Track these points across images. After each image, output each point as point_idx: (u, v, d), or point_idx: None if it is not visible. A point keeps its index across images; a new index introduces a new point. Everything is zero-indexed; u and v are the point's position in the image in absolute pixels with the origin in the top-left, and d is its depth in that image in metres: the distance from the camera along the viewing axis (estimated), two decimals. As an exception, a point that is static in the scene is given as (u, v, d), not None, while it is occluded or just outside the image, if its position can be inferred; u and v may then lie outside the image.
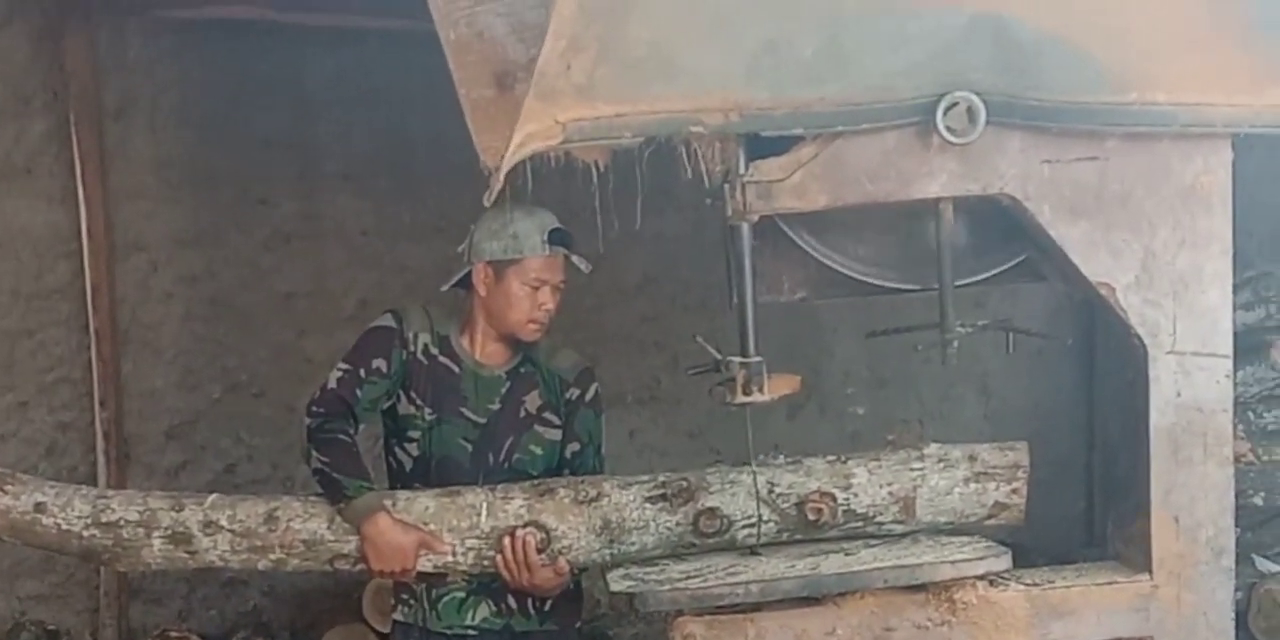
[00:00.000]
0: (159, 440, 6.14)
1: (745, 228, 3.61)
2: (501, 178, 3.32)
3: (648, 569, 3.95)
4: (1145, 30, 3.57)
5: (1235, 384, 3.95)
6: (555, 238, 4.06)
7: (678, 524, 3.91)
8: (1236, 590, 4.03)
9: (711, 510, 3.90)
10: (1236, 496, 3.97)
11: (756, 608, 3.76)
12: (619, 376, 6.38)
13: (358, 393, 4.09)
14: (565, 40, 3.34)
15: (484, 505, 3.97)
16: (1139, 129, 3.61)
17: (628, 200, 3.54)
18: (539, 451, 4.24)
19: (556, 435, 4.25)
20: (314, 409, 4.08)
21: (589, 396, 4.30)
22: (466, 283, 4.19)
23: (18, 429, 6.05)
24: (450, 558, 3.97)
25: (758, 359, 3.69)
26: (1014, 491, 3.97)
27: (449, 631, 4.23)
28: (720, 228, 3.72)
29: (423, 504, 3.98)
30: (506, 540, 3.93)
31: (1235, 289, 3.91)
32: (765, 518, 3.94)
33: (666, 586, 3.77)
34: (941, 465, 3.96)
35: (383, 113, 6.03)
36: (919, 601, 3.79)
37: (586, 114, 3.38)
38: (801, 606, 3.78)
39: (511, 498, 3.97)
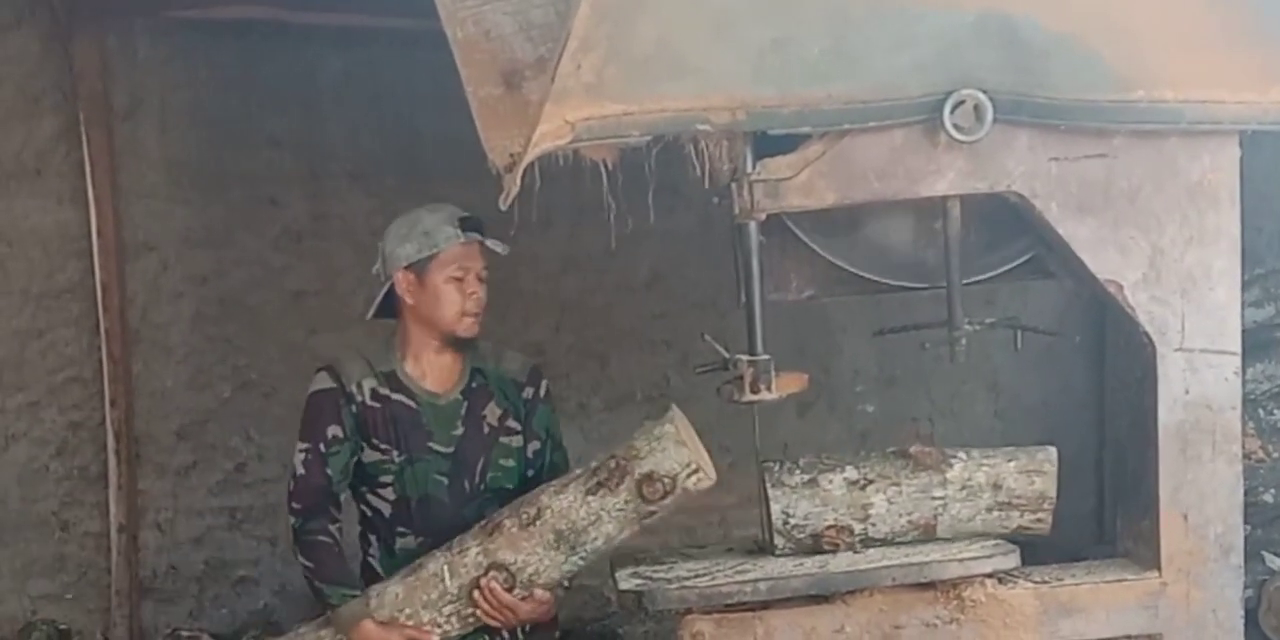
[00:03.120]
0: (169, 439, 6.15)
1: (752, 226, 3.62)
2: (517, 180, 3.32)
3: (656, 567, 3.96)
4: (1151, 28, 3.57)
5: (1245, 381, 3.95)
6: (468, 225, 4.04)
7: (626, 502, 3.85)
8: (1246, 587, 4.02)
9: (648, 475, 3.82)
10: (1246, 494, 3.97)
11: (765, 606, 3.76)
12: (628, 374, 6.39)
13: (327, 471, 4.09)
14: (577, 40, 3.34)
15: (444, 569, 3.96)
16: (1146, 126, 3.62)
17: (637, 198, 3.54)
18: (510, 463, 4.25)
19: (520, 441, 4.24)
20: (293, 505, 4.12)
21: (542, 393, 4.29)
22: (390, 309, 4.17)
23: (29, 429, 6.06)
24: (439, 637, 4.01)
25: (765, 357, 3.69)
26: (1039, 520, 3.94)
27: None
28: (728, 226, 3.73)
29: (393, 592, 4.00)
30: (476, 594, 3.93)
31: (1244, 286, 3.91)
32: (781, 547, 3.90)
33: (675, 585, 3.77)
34: (965, 493, 3.90)
35: (392, 112, 6.03)
36: (927, 599, 3.79)
37: (595, 113, 3.39)
38: (810, 604, 3.78)
39: (466, 549, 3.96)
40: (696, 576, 3.82)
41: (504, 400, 4.19)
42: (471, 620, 3.99)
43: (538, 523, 3.89)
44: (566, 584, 4.08)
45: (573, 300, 6.27)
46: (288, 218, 6.12)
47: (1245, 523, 3.95)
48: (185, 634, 5.98)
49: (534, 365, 4.30)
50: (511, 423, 4.19)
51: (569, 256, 6.21)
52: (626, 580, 3.86)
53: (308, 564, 4.07)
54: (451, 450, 4.14)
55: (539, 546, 3.90)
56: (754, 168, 3.54)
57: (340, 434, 4.10)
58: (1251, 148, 3.74)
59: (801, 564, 3.83)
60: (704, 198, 3.74)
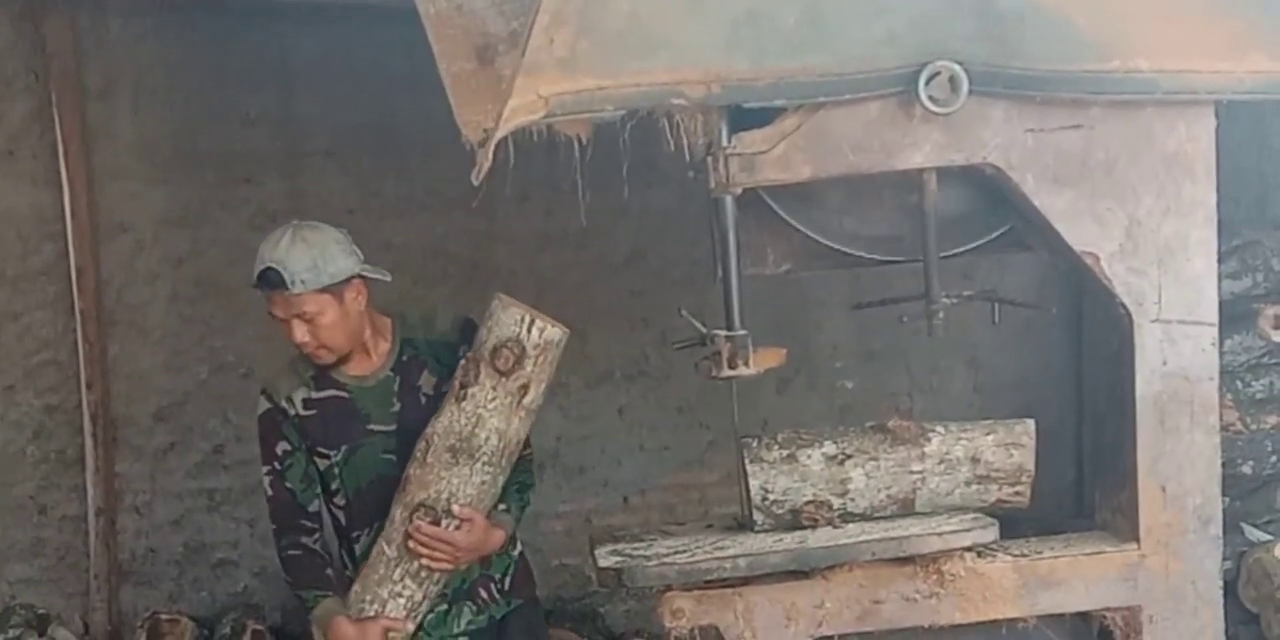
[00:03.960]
0: (147, 422, 6.13)
1: (729, 200, 3.61)
2: (489, 155, 3.31)
3: (635, 545, 3.96)
4: (1127, -2, 3.56)
5: (1223, 353, 3.96)
6: (261, 278, 3.96)
7: (493, 389, 3.88)
8: (1226, 560, 4.04)
9: (494, 350, 3.85)
10: (1225, 465, 3.98)
11: (745, 582, 3.76)
12: (607, 352, 6.37)
13: (288, 485, 4.15)
14: (549, 14, 3.32)
15: (381, 543, 4.02)
16: (1122, 97, 3.61)
17: (613, 175, 3.53)
18: None
19: None
20: (272, 525, 4.23)
21: None
22: None
23: (4, 412, 6.04)
24: (415, 617, 4.06)
25: (743, 332, 3.69)
26: (1017, 493, 3.95)
27: None
28: (706, 202, 3.71)
29: (353, 591, 4.07)
30: (410, 542, 3.96)
31: (1222, 257, 3.91)
32: (760, 523, 3.91)
33: (654, 562, 3.76)
34: (943, 466, 3.91)
35: (366, 89, 6.00)
36: (907, 574, 3.80)
37: (568, 88, 3.37)
38: (789, 580, 3.78)
39: (392, 517, 4.00)
40: (676, 553, 3.82)
41: (438, 366, 4.15)
42: (423, 574, 4.01)
43: (430, 452, 3.93)
44: (504, 506, 4.10)
45: (550, 277, 6.25)
46: (263, 197, 6.09)
47: (1224, 494, 3.96)
48: (165, 617, 5.95)
49: (465, 319, 4.21)
50: (448, 387, 4.12)
51: (546, 233, 6.19)
52: (606, 557, 3.86)
53: (287, 578, 4.17)
54: (394, 427, 4.13)
55: (441, 471, 3.93)
56: (729, 141, 3.53)
57: (289, 446, 4.15)
58: (1228, 119, 3.74)
59: (781, 540, 3.83)
60: (682, 174, 3.73)
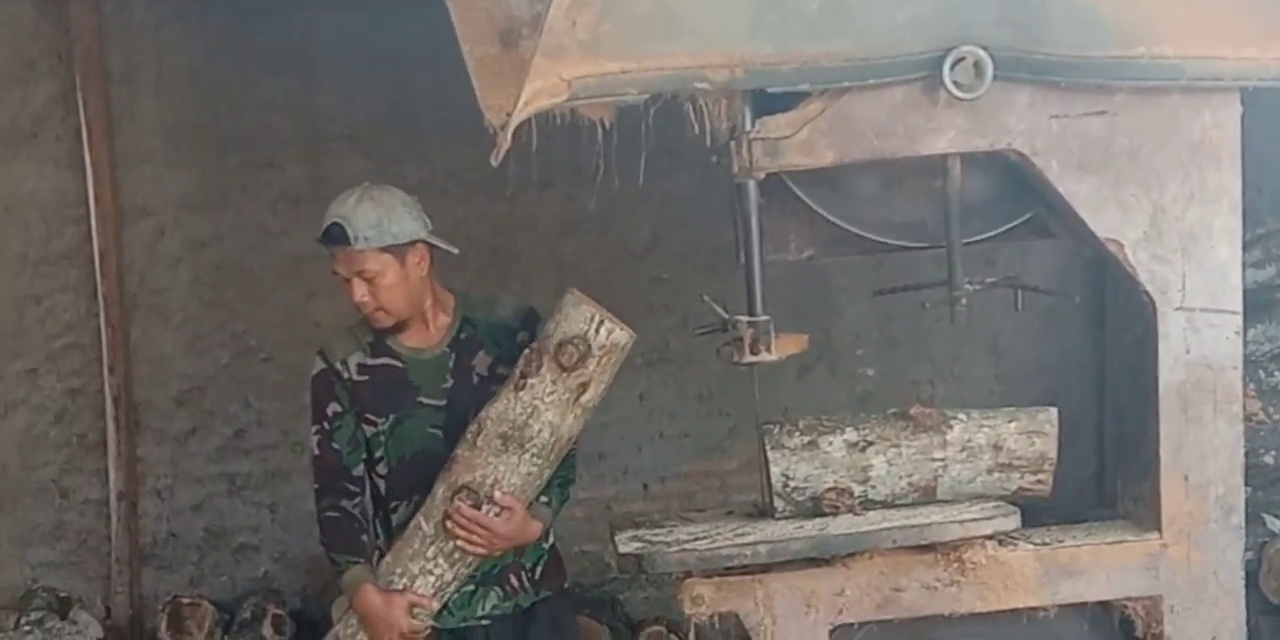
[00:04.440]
0: (168, 406, 6.14)
1: (751, 185, 3.60)
2: (508, 137, 3.30)
3: (656, 531, 3.96)
4: (1153, -17, 3.54)
5: (1246, 342, 3.93)
6: (326, 236, 3.99)
7: (553, 382, 3.86)
8: (1247, 550, 4.01)
9: (560, 345, 3.84)
10: (1247, 455, 3.96)
11: (765, 569, 3.76)
12: (628, 338, 6.36)
13: (334, 446, 4.16)
14: (571, -2, 3.31)
15: (420, 519, 4.03)
16: (1147, 83, 3.59)
17: (636, 161, 3.52)
18: None
19: None
20: (315, 486, 4.22)
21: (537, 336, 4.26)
22: None
23: (27, 396, 6.06)
24: (441, 597, 4.07)
25: (765, 318, 3.67)
26: (1039, 481, 3.94)
27: (463, 624, 4.23)
28: (728, 187, 3.70)
29: (384, 562, 4.10)
30: (448, 523, 3.97)
31: (1246, 246, 3.89)
32: (781, 510, 3.90)
33: (674, 548, 3.76)
34: (965, 454, 3.90)
35: (388, 73, 5.99)
36: (928, 562, 3.79)
37: (591, 71, 3.36)
38: (810, 567, 3.78)
39: (434, 494, 4.01)
40: (696, 539, 3.81)
41: (495, 348, 4.17)
42: (457, 555, 4.02)
43: (481, 436, 3.92)
44: (545, 499, 4.11)
45: (572, 263, 6.24)
46: (285, 181, 6.09)
47: (1246, 484, 3.94)
48: (186, 601, 5.97)
49: (529, 308, 4.26)
50: (503, 369, 4.11)
51: (567, 219, 6.18)
52: (626, 544, 3.86)
53: (322, 539, 4.18)
54: (444, 403, 4.14)
55: (489, 456, 3.93)
56: (753, 126, 3.52)
57: (339, 408, 4.15)
58: (1252, 107, 3.72)
59: (801, 527, 3.82)
60: (704, 160, 3.72)
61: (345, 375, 4.15)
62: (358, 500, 4.19)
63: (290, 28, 5.99)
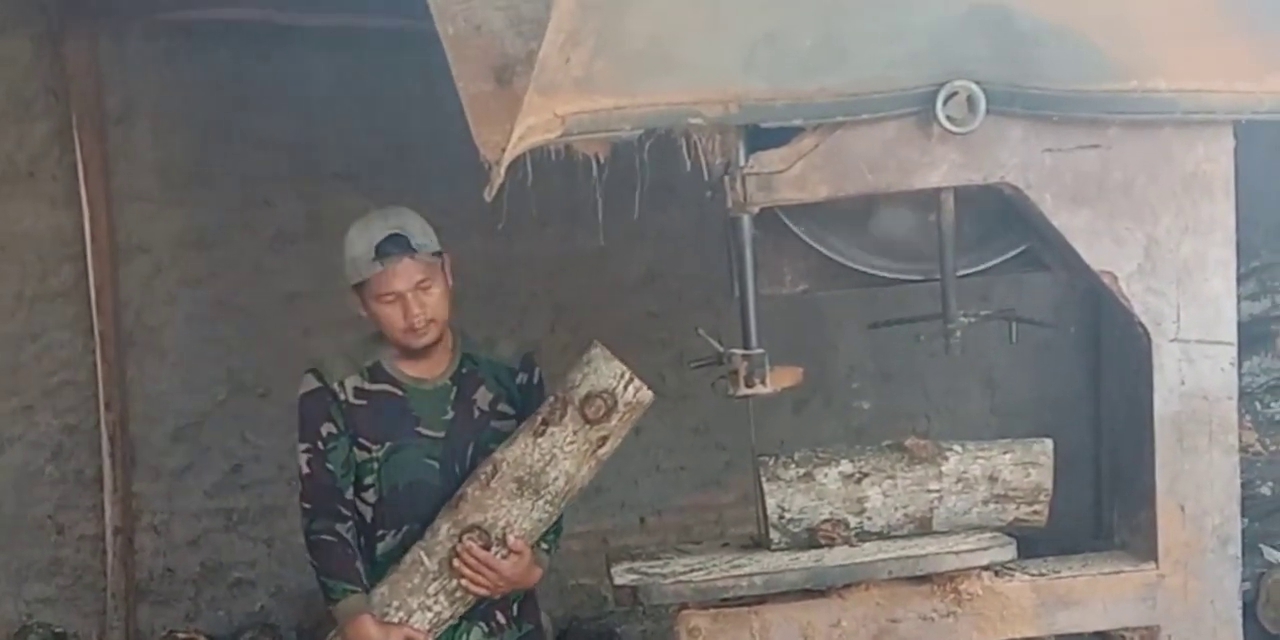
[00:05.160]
0: (164, 442, 6.14)
1: (746, 219, 3.62)
2: (502, 172, 3.31)
3: (652, 563, 3.95)
4: (1145, 17, 3.56)
5: (1241, 374, 3.95)
6: (382, 250, 3.97)
7: (574, 433, 3.87)
8: (1245, 580, 4.02)
9: (587, 397, 3.85)
10: (1244, 486, 3.97)
11: (761, 600, 3.75)
12: (624, 373, 6.37)
13: (329, 467, 4.09)
14: (564, 34, 3.33)
15: (421, 553, 4.00)
16: (1140, 117, 3.60)
17: (631, 197, 3.53)
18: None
19: (513, 427, 4.18)
20: (304, 505, 4.14)
21: (536, 380, 4.27)
22: None
23: (23, 433, 6.06)
24: (434, 634, 4.04)
25: (759, 351, 3.68)
26: (1035, 512, 3.94)
27: None
28: (723, 223, 3.72)
29: (378, 593, 4.03)
30: (455, 561, 3.95)
31: (1241, 279, 3.91)
32: (776, 541, 3.91)
33: (670, 579, 3.76)
34: (960, 485, 3.90)
35: (384, 112, 6.02)
36: (924, 593, 3.79)
37: (586, 107, 3.38)
38: (806, 599, 3.77)
39: (437, 529, 3.99)
40: (692, 571, 3.81)
41: (496, 385, 4.18)
42: (459, 594, 4.00)
43: (496, 478, 3.92)
44: (545, 546, 4.11)
45: (568, 299, 6.26)
46: (281, 219, 6.11)
47: (1242, 516, 3.94)
48: (182, 636, 5.97)
49: (528, 352, 4.28)
50: (504, 407, 4.15)
51: (564, 256, 6.21)
52: (622, 575, 3.85)
53: (314, 561, 4.08)
54: (443, 435, 4.12)
55: (503, 499, 3.93)
56: (747, 161, 3.53)
57: (334, 430, 4.10)
58: (1246, 142, 3.73)
59: (797, 558, 3.82)
60: (699, 196, 3.73)
61: (342, 397, 4.11)
62: (349, 524, 4.12)
63: (286, 66, 6.02)
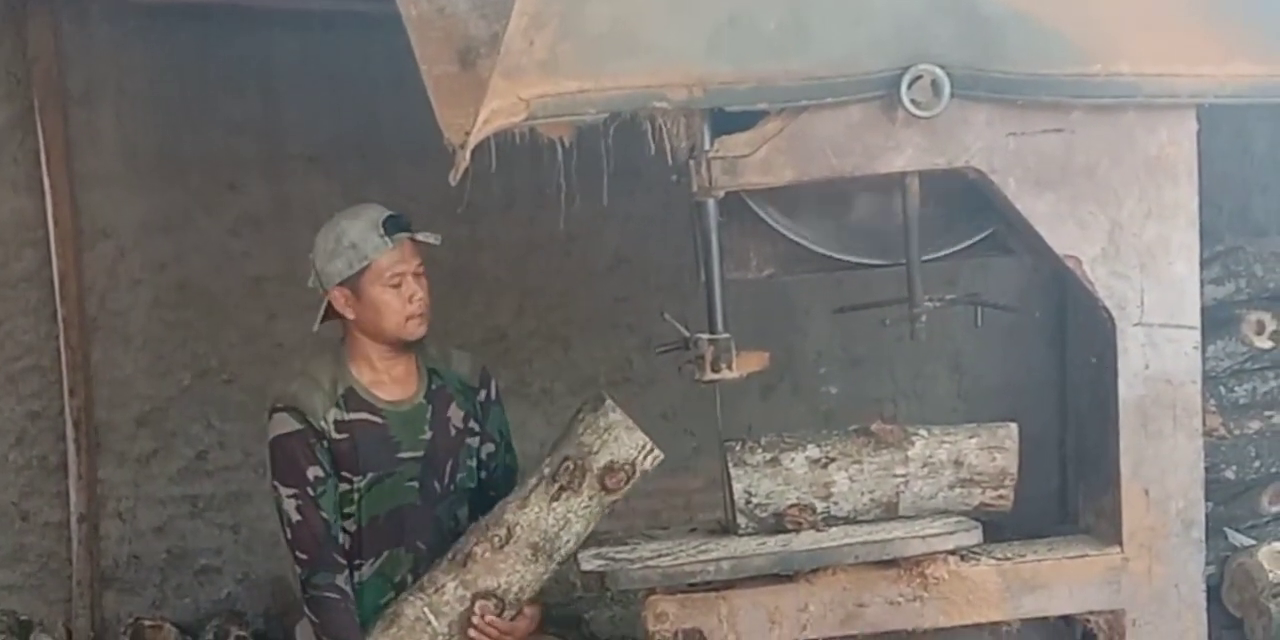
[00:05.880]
0: (129, 428, 6.10)
1: (711, 204, 3.62)
2: (467, 156, 3.30)
3: (619, 548, 3.95)
4: (1109, 2, 3.58)
5: (1206, 359, 3.96)
6: (391, 227, 3.96)
7: (590, 498, 3.87)
8: (1209, 564, 4.04)
9: (608, 467, 3.84)
10: (1208, 471, 3.99)
11: (729, 585, 3.76)
12: (591, 358, 6.37)
13: (322, 515, 4.00)
14: (528, 16, 3.32)
15: (426, 612, 3.92)
16: (1104, 101, 3.62)
17: (597, 181, 3.52)
18: (472, 464, 4.25)
19: (478, 443, 4.23)
20: (298, 555, 4.01)
21: (494, 395, 4.28)
22: (335, 312, 4.08)
23: (-13, 419, 6.03)
24: None
25: (725, 336, 3.69)
26: (1000, 496, 3.95)
27: None
28: (689, 206, 3.71)
29: None
30: (472, 631, 3.91)
31: (1205, 264, 3.92)
32: (743, 526, 3.90)
33: (638, 565, 3.77)
34: (926, 470, 3.91)
35: (350, 95, 5.98)
36: (890, 577, 3.80)
37: (550, 90, 3.37)
38: (773, 583, 3.78)
39: (442, 586, 3.93)
40: (659, 556, 3.82)
41: (465, 402, 4.17)
42: None
43: (511, 542, 3.88)
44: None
45: (535, 284, 6.24)
46: (246, 202, 6.07)
47: (1207, 499, 3.96)
48: (148, 623, 5.93)
49: (483, 366, 4.27)
50: (473, 424, 4.17)
51: (530, 240, 6.18)
52: (589, 561, 3.86)
53: (314, 620, 4.01)
54: (422, 454, 4.09)
55: (518, 564, 3.90)
56: (711, 145, 3.53)
57: (321, 473, 4.00)
58: (1209, 126, 3.74)
59: (764, 543, 3.83)
60: (665, 180, 3.72)
61: (325, 435, 4.00)
62: (346, 573, 4.03)
63: (251, 48, 5.97)
